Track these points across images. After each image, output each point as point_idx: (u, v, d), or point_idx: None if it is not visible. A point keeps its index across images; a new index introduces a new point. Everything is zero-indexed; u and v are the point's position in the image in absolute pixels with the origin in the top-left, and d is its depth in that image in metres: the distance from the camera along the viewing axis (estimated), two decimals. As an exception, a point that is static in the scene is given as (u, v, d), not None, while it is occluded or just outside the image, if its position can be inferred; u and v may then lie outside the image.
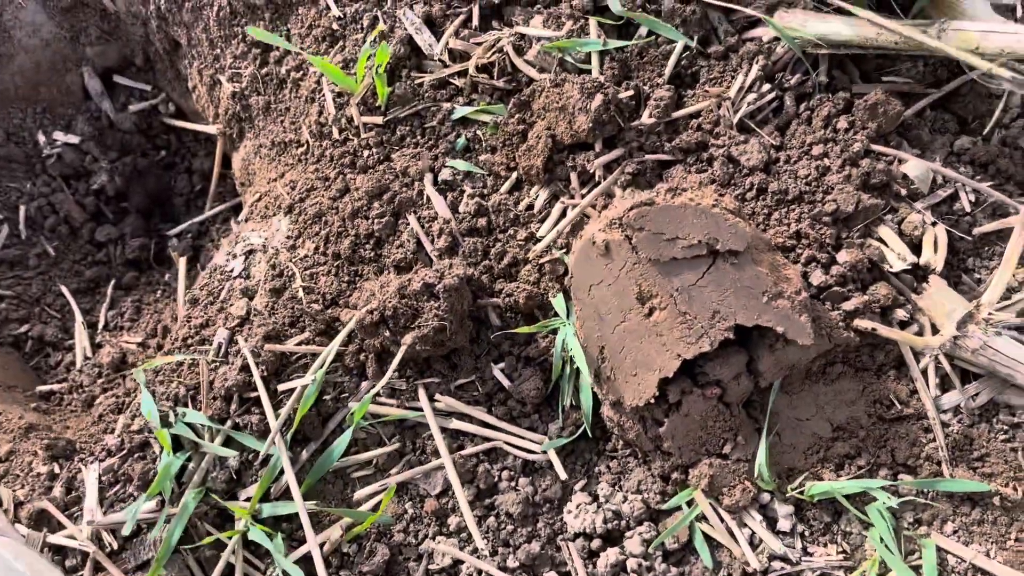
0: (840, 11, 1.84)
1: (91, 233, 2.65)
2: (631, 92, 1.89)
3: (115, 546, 1.80)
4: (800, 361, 1.70)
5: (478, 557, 1.75)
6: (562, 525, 1.80)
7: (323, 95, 2.12)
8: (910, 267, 1.75)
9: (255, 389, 1.84)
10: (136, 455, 1.88)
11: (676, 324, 1.63)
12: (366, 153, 2.03)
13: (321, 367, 1.81)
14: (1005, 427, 1.72)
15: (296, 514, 1.76)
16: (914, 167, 1.80)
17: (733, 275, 1.61)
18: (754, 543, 1.72)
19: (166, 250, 2.62)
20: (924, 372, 1.75)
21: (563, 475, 1.79)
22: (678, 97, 1.92)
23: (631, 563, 1.72)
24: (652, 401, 1.67)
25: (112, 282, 2.56)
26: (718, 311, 1.61)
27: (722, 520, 1.73)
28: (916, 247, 1.79)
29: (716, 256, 1.61)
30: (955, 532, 1.68)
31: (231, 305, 1.98)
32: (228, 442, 1.84)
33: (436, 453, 1.83)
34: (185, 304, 2.11)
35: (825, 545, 1.71)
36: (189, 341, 1.98)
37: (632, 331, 1.66)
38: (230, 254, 2.10)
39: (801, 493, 1.71)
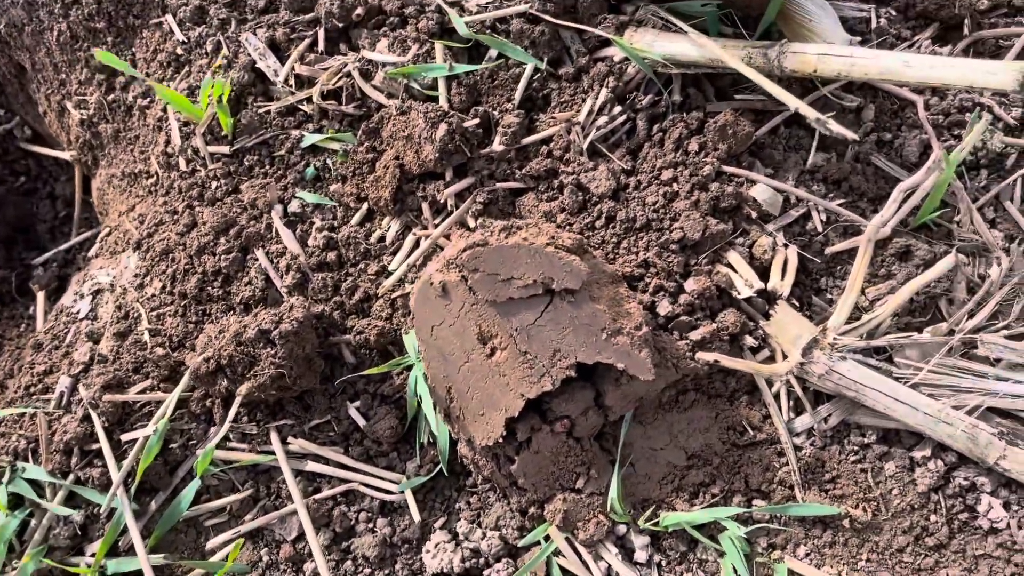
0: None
1: (-53, 266, 2.53)
2: (477, 120, 1.84)
3: (-49, 614, 1.73)
4: (648, 393, 1.68)
5: (333, 604, 1.71)
6: (421, 565, 1.77)
7: (169, 124, 2.03)
8: (757, 293, 1.74)
9: (97, 440, 1.77)
10: (-27, 515, 1.80)
11: (518, 364, 1.59)
12: (214, 185, 1.96)
13: (163, 416, 1.74)
14: (856, 448, 1.73)
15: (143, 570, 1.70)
16: (761, 191, 1.79)
17: (571, 313, 1.57)
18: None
19: (29, 282, 2.51)
20: (776, 397, 1.75)
21: (417, 517, 1.75)
22: (529, 122, 1.88)
23: (488, 602, 1.70)
24: (501, 440, 1.64)
25: (-29, 318, 2.46)
26: (558, 350, 1.58)
27: (578, 554, 1.72)
28: (766, 271, 1.78)
29: (553, 295, 1.58)
30: (808, 555, 1.69)
31: (75, 350, 1.90)
32: (71, 497, 1.77)
33: (291, 497, 1.78)
34: (29, 349, 2.02)
35: (681, 574, 1.71)
36: (32, 389, 1.90)
37: (476, 371, 1.63)
38: (77, 294, 2.02)
39: (656, 524, 1.70)
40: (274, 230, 1.89)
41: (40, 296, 2.33)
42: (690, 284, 1.73)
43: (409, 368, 1.81)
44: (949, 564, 1.66)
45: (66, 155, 2.38)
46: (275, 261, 1.87)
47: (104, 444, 1.75)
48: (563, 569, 1.71)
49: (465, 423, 1.67)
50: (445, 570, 1.73)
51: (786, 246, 1.80)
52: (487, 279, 1.58)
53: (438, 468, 1.79)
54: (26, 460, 1.79)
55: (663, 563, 1.72)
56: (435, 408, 1.72)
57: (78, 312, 1.98)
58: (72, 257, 2.54)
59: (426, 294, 1.64)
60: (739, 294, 1.74)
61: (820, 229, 1.83)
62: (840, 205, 1.84)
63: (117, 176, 2.17)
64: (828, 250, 1.82)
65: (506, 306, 1.58)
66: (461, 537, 1.76)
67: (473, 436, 1.67)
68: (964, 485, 1.67)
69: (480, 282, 1.58)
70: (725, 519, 1.66)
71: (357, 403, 1.82)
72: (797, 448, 1.73)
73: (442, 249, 1.82)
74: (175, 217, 1.97)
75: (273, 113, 1.95)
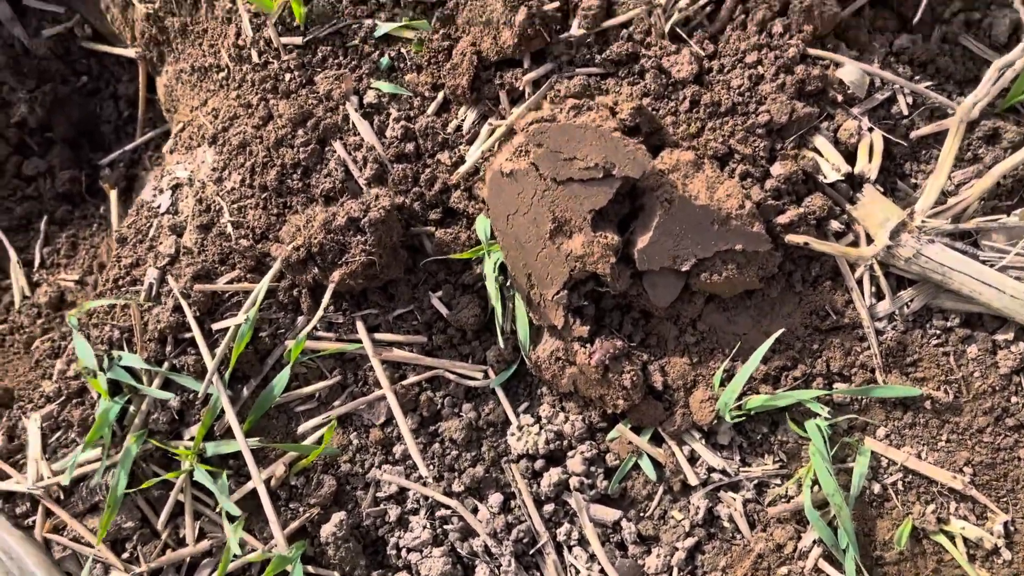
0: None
1: (17, 167, 2.53)
2: (558, 3, 1.80)
3: (62, 494, 1.81)
4: (767, 268, 1.69)
5: (423, 484, 1.78)
6: (506, 448, 1.82)
7: (239, 15, 2.01)
8: (844, 177, 1.72)
9: (189, 329, 1.81)
10: (74, 401, 1.86)
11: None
12: (287, 77, 1.94)
13: (253, 305, 1.78)
14: (938, 331, 1.73)
15: (241, 451, 1.77)
16: (849, 72, 1.75)
17: (680, 216, 1.59)
18: (693, 458, 1.76)
19: (99, 181, 2.53)
20: (859, 282, 1.75)
21: (511, 412, 1.80)
22: (608, 5, 1.83)
23: (573, 481, 1.75)
24: (585, 326, 1.66)
25: (45, 218, 2.48)
26: (677, 256, 1.60)
27: (663, 440, 1.76)
28: (852, 155, 1.76)
29: (655, 203, 1.59)
30: (888, 436, 1.72)
31: (160, 243, 1.93)
32: (167, 384, 1.83)
33: (378, 384, 1.83)
34: (114, 244, 2.05)
35: (763, 455, 1.75)
36: (120, 282, 1.94)
37: (554, 257, 1.64)
38: (157, 189, 2.03)
39: (739, 408, 1.73)
40: (351, 122, 1.89)
41: (112, 194, 2.35)
42: (777, 168, 1.71)
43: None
44: (1029, 444, 1.68)
45: (130, 52, 2.36)
46: (352, 153, 1.87)
47: (196, 332, 1.80)
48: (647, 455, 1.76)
49: (546, 310, 1.70)
50: (530, 452, 1.79)
51: (871, 130, 1.77)
52: (550, 155, 1.59)
53: (520, 358, 1.82)
54: (121, 349, 1.85)
55: (744, 445, 1.76)
56: (516, 295, 1.75)
57: (159, 206, 2.00)
58: (138, 157, 2.55)
59: (498, 184, 1.64)
60: (825, 178, 1.72)
61: (906, 112, 1.80)
62: (927, 88, 1.80)
63: (186, 71, 2.16)
64: (913, 134, 1.79)
65: (575, 189, 1.59)
66: (544, 420, 1.81)
67: (554, 322, 1.70)
68: (1047, 367, 1.68)
69: (543, 158, 1.59)
70: (809, 401, 1.69)
71: (439, 293, 1.85)
72: (879, 332, 1.74)
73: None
74: (250, 111, 1.96)
75: (345, 2, 1.92)
